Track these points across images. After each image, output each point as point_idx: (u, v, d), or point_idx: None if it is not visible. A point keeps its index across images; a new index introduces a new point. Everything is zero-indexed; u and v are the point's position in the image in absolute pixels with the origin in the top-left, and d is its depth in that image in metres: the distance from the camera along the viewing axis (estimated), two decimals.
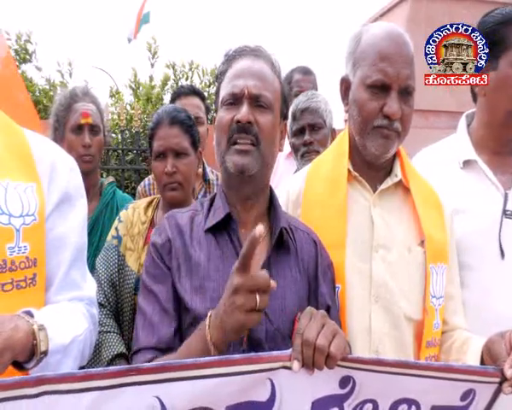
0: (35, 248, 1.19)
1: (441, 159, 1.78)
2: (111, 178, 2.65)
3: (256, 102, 1.27)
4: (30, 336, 1.02)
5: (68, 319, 1.21)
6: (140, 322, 1.24)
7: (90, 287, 1.38)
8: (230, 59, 1.35)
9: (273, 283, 1.02)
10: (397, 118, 1.39)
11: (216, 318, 1.05)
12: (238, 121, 1.24)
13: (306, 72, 3.38)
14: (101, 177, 2.74)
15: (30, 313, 1.07)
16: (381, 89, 1.39)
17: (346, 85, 1.50)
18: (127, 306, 1.93)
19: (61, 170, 1.30)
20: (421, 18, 5.32)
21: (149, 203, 2.10)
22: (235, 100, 1.27)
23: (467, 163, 1.71)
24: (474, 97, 1.77)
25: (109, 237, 2.03)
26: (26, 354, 1.03)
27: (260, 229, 0.98)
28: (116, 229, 2.02)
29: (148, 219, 2.03)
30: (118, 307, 1.96)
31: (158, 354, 1.18)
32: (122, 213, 2.06)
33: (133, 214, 2.04)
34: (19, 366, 1.04)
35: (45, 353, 1.06)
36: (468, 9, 5.14)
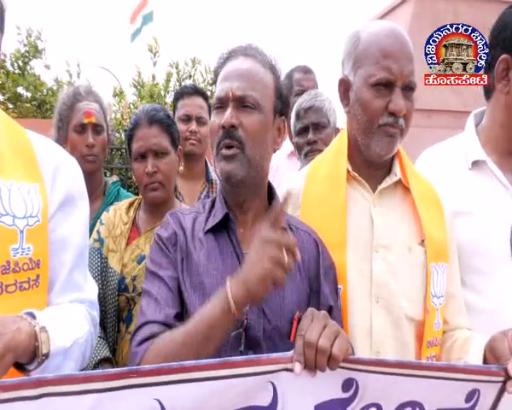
0: (38, 249, 1.20)
1: (448, 159, 1.72)
2: (115, 178, 2.65)
3: (241, 103, 1.27)
4: (32, 338, 1.02)
5: (70, 321, 1.21)
6: (144, 301, 1.25)
7: (91, 289, 1.38)
8: (223, 61, 1.35)
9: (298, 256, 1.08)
10: (402, 114, 1.39)
11: (238, 274, 1.09)
12: (223, 126, 1.25)
13: (307, 70, 3.37)
14: (105, 176, 2.73)
15: (32, 315, 1.07)
16: (385, 86, 1.39)
17: (345, 86, 1.49)
18: (111, 308, 1.93)
19: (65, 172, 1.31)
20: (425, 17, 5.29)
21: (131, 204, 2.10)
22: (222, 104, 1.29)
23: (475, 164, 1.65)
24: (488, 95, 1.69)
25: (91, 241, 1.98)
26: (28, 356, 1.03)
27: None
28: (98, 232, 2.01)
29: (129, 220, 2.03)
30: (101, 310, 1.91)
31: (165, 329, 1.18)
32: (103, 216, 2.06)
33: (114, 216, 2.03)
34: (20, 367, 1.04)
35: (47, 355, 1.06)
36: (472, 9, 5.12)
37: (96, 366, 1.82)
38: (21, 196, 1.19)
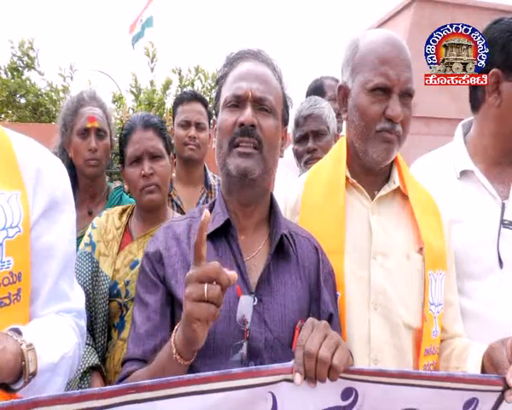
0: (19, 261, 1.12)
1: (438, 168, 1.78)
2: (118, 183, 2.65)
3: (259, 105, 1.27)
4: (18, 358, 0.98)
5: (57, 334, 1.16)
6: (131, 332, 1.24)
7: (78, 297, 1.32)
8: (232, 62, 1.34)
9: (232, 274, 0.97)
10: (399, 120, 1.40)
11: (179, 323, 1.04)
12: (241, 124, 1.24)
13: (337, 80, 3.40)
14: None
15: (18, 331, 1.03)
16: (382, 92, 1.40)
17: (344, 93, 1.51)
18: (101, 313, 1.91)
19: (48, 175, 1.22)
20: (424, 24, 5.33)
21: (124, 210, 2.09)
22: (238, 102, 1.27)
23: (464, 173, 1.71)
24: (475, 106, 1.75)
25: (82, 245, 1.98)
26: (14, 376, 0.99)
27: (207, 215, 0.99)
28: (89, 236, 1.99)
29: (122, 225, 2.02)
30: (91, 315, 1.91)
31: (142, 365, 1.17)
32: (95, 220, 2.04)
33: (107, 221, 2.02)
34: (6, 387, 1.00)
35: (34, 373, 1.02)
36: (469, 17, 5.15)
37: (84, 374, 1.79)
38: (0, 207, 1.11)
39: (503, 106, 1.65)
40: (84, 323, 1.31)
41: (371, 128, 1.42)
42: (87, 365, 1.80)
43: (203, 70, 7.81)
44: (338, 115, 2.51)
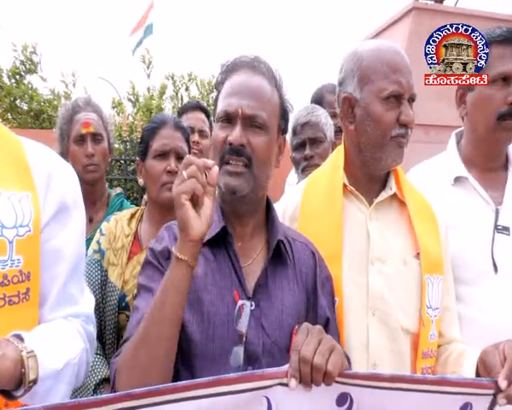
0: (29, 261, 1.13)
1: (432, 176, 1.81)
2: (119, 189, 2.65)
3: (250, 122, 1.25)
4: (18, 365, 0.97)
5: (62, 340, 1.15)
6: (133, 317, 1.22)
7: (87, 302, 1.31)
8: (228, 70, 1.32)
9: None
10: (413, 125, 1.44)
11: None
12: (230, 143, 1.24)
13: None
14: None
15: (20, 337, 1.02)
16: (394, 99, 1.43)
17: (350, 103, 1.50)
18: (110, 324, 1.86)
19: (59, 178, 1.25)
20: (422, 32, 5.35)
21: (132, 215, 2.03)
22: (229, 119, 1.26)
23: (458, 180, 1.76)
24: (461, 116, 1.82)
25: (90, 252, 1.92)
26: (15, 382, 0.98)
27: (215, 169, 1.10)
28: (98, 242, 1.93)
29: (131, 232, 1.96)
30: (101, 325, 1.86)
31: None
32: (104, 226, 1.97)
33: (116, 227, 1.96)
34: (7, 394, 1.00)
35: (35, 381, 1.01)
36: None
37: (96, 387, 1.76)
38: (11, 205, 1.13)
39: (469, 115, 1.75)
40: (92, 328, 1.31)
41: (387, 135, 1.44)
42: (99, 377, 1.77)
43: (196, 77, 7.89)
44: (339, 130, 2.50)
